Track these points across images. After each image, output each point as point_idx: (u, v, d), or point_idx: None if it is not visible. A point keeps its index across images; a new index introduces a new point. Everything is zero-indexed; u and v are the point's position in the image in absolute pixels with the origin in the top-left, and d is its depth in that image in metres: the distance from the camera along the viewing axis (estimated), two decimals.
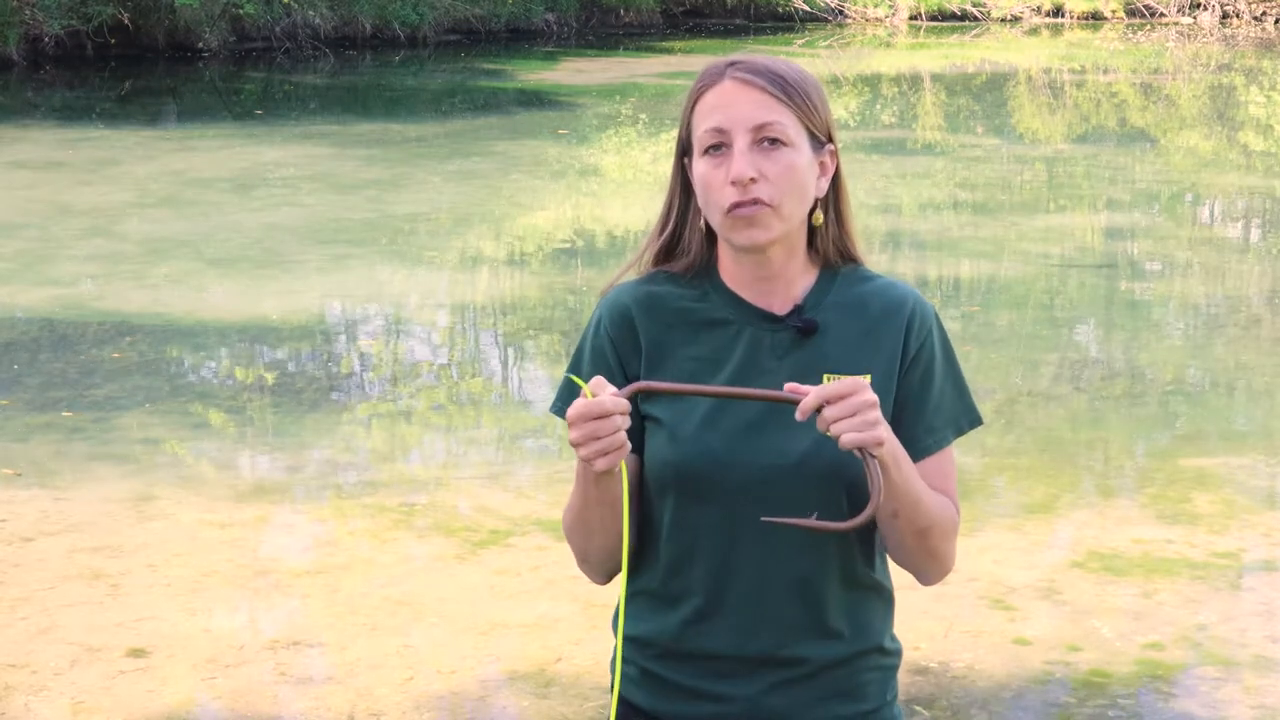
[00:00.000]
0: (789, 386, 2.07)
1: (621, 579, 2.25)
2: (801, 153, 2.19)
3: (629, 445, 2.08)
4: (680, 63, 27.36)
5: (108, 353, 8.65)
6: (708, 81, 2.22)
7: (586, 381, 2.10)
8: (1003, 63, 29.77)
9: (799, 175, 2.19)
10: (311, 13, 28.09)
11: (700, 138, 2.20)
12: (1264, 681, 4.89)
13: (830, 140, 2.25)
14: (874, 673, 2.30)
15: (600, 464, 2.07)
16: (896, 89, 25.27)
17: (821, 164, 2.24)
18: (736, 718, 2.25)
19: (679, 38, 33.47)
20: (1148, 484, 6.85)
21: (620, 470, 2.15)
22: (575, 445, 2.06)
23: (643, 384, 2.11)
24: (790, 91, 2.19)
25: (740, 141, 2.17)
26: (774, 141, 2.17)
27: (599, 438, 2.05)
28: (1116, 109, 22.92)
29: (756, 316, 2.26)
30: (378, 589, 5.48)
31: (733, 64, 2.21)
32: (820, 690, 2.25)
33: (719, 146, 2.19)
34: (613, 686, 2.32)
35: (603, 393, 2.05)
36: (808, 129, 2.21)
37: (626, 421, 2.06)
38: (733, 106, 2.18)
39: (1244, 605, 5.52)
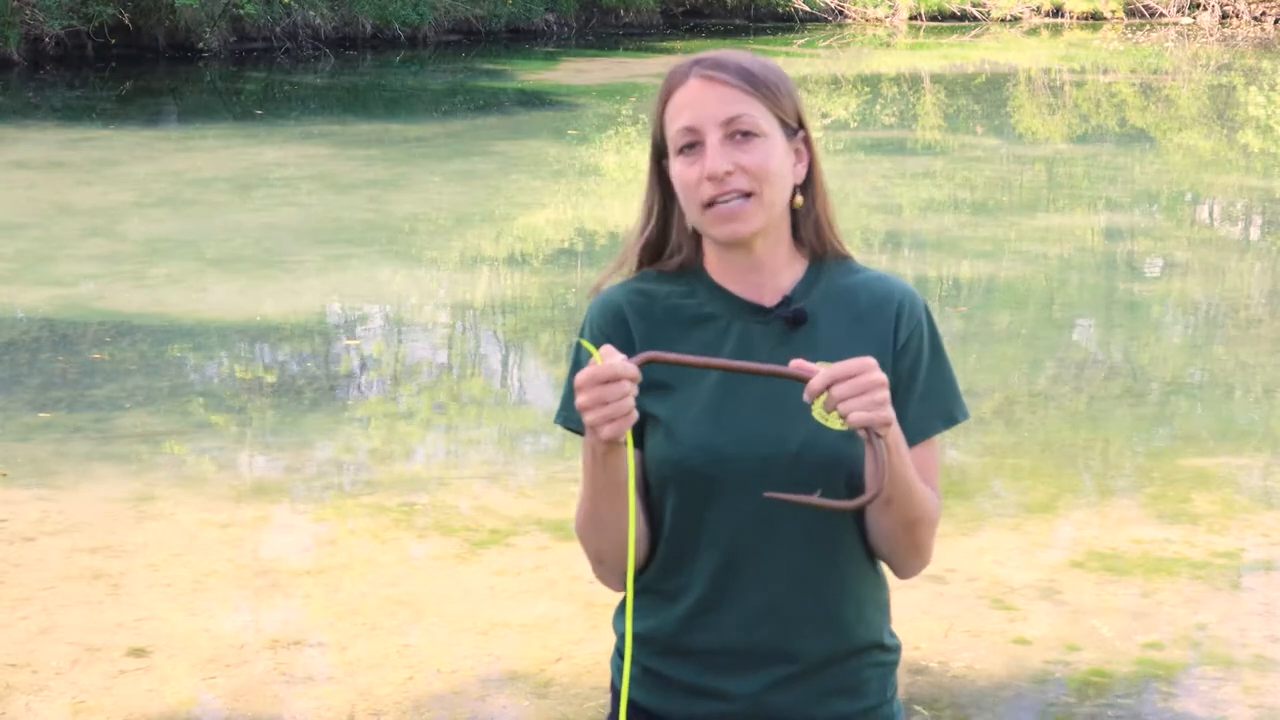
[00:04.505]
0: (795, 363, 2.05)
1: (629, 570, 2.23)
2: (775, 141, 2.20)
3: (636, 414, 2.05)
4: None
5: (108, 353, 8.65)
6: (674, 82, 2.23)
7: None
8: (1003, 63, 29.77)
9: (775, 162, 2.20)
10: (312, 13, 28.10)
11: (673, 138, 2.22)
12: (1264, 681, 4.89)
13: (802, 126, 2.26)
14: (874, 669, 2.31)
15: (606, 430, 2.03)
16: (896, 89, 25.27)
17: (796, 151, 2.25)
18: (738, 716, 2.25)
19: (679, 38, 33.47)
20: (1148, 484, 6.85)
21: (629, 444, 2.11)
22: (583, 410, 2.03)
23: (653, 354, 2.07)
24: (756, 82, 2.20)
25: (712, 137, 2.18)
26: (746, 133, 2.18)
27: (607, 403, 2.02)
28: (1116, 109, 22.92)
29: (745, 310, 2.26)
30: (378, 589, 5.48)
31: (697, 62, 2.22)
32: (822, 687, 2.26)
33: (692, 145, 2.20)
34: (617, 686, 2.32)
35: (613, 359, 2.04)
36: (778, 118, 2.21)
37: (634, 389, 2.03)
38: (701, 103, 2.19)
39: (1244, 605, 5.52)
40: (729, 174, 2.17)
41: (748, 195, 2.18)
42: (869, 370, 2.03)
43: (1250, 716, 4.67)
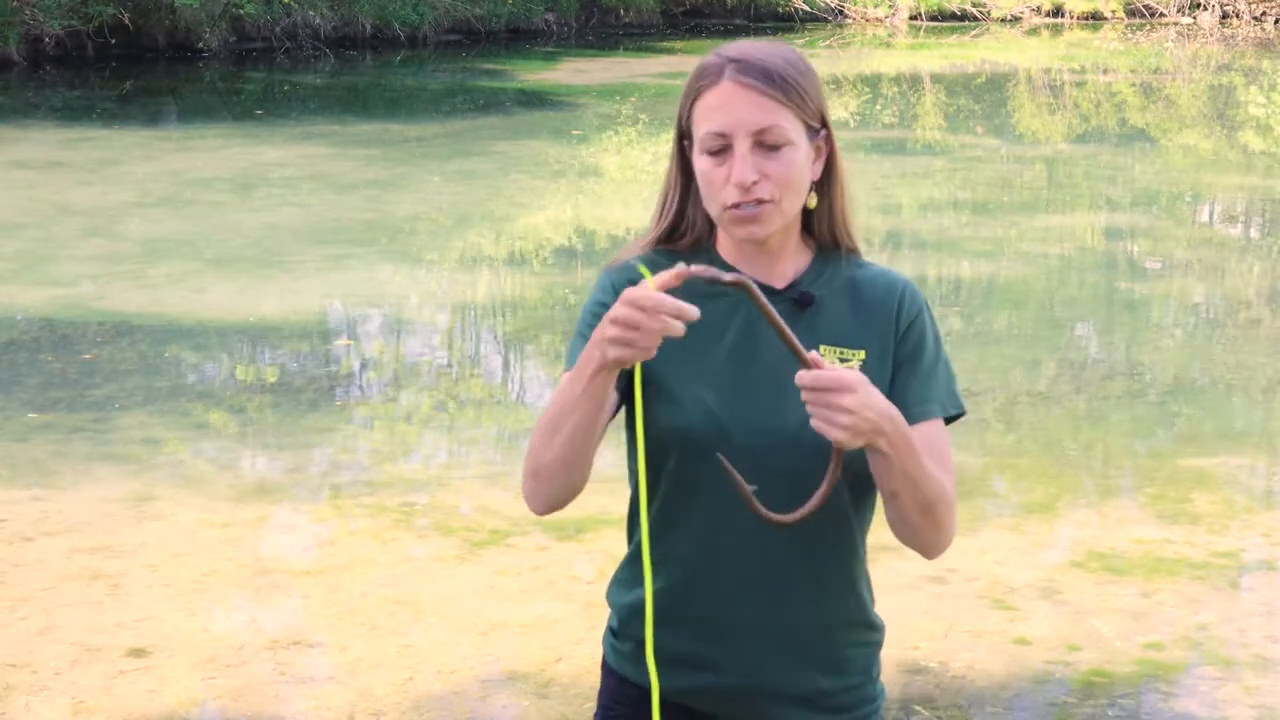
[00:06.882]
0: (813, 355, 2.09)
1: (643, 538, 2.20)
2: (800, 149, 2.24)
3: (653, 354, 2.04)
4: (680, 63, 27.35)
5: (107, 353, 8.65)
6: (707, 79, 2.25)
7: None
8: (1003, 63, 29.78)
9: (798, 171, 2.24)
10: (312, 13, 28.09)
11: (701, 139, 2.24)
12: (1264, 681, 4.89)
13: (824, 125, 2.29)
14: (860, 648, 2.36)
15: (616, 353, 2.03)
16: (896, 89, 25.26)
17: (817, 149, 2.29)
18: (730, 689, 2.29)
19: (679, 38, 33.48)
20: (1148, 484, 6.85)
21: (636, 376, 2.13)
22: (610, 322, 2.02)
23: (700, 269, 2.03)
24: (788, 89, 2.22)
25: (741, 145, 2.21)
26: (774, 143, 2.21)
27: (636, 329, 2.01)
28: (1116, 109, 22.92)
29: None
30: (378, 589, 5.48)
31: (732, 61, 2.23)
32: (809, 660, 2.30)
33: (721, 149, 2.22)
34: (609, 663, 2.33)
35: (661, 293, 2.02)
36: (804, 123, 2.25)
37: (664, 330, 2.02)
38: (733, 109, 2.21)
39: (1244, 605, 5.52)
40: (755, 183, 2.20)
41: (769, 201, 2.22)
42: (847, 390, 2.05)
43: (1250, 717, 4.67)
